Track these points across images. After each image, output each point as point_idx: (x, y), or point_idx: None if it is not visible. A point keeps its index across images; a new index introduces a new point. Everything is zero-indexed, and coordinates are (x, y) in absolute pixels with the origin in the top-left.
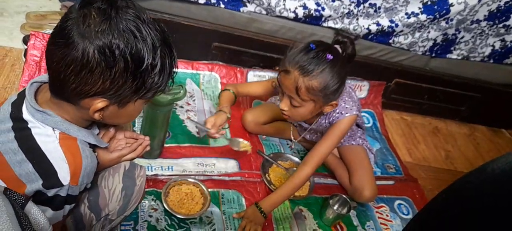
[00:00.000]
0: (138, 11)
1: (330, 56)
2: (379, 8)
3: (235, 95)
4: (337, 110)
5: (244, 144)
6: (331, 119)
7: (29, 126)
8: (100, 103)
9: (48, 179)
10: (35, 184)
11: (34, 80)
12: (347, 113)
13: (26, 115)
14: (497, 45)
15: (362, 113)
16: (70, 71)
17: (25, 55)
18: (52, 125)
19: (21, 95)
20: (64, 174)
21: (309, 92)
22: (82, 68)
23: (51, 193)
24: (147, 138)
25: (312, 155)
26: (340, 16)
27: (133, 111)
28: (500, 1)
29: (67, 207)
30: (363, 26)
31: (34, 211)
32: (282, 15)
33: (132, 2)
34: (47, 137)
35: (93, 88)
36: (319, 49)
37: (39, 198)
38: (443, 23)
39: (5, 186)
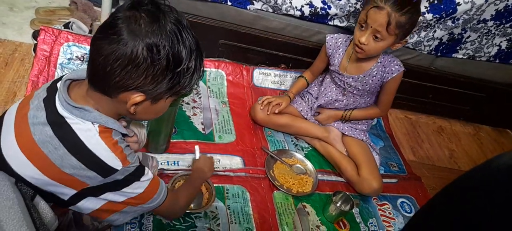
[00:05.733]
0: (180, 16)
1: None
2: None
3: (308, 82)
4: (393, 64)
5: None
6: (386, 68)
7: (68, 121)
8: (138, 97)
9: (99, 169)
10: (88, 173)
11: (67, 78)
12: (400, 70)
13: (62, 111)
14: (504, 45)
15: None
16: (117, 65)
17: (34, 50)
18: (91, 119)
19: (51, 92)
20: (113, 160)
21: (397, 27)
22: (129, 63)
23: (109, 179)
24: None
25: (382, 103)
26: (346, 15)
27: (161, 108)
28: (507, 1)
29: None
30: None
31: (42, 204)
32: (289, 13)
33: (175, 8)
34: (88, 131)
35: (135, 82)
36: None
37: (109, 187)
38: (449, 23)
39: (58, 183)
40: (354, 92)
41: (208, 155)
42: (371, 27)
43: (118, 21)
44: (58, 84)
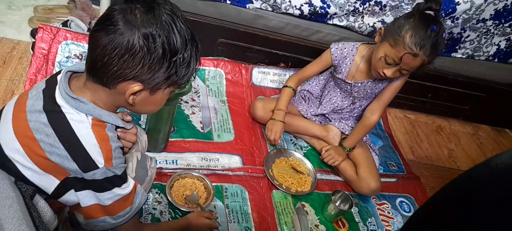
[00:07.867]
0: (174, 8)
1: (445, 35)
2: (385, 6)
3: (295, 90)
4: None
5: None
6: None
7: (63, 111)
8: (136, 86)
9: (82, 161)
10: (70, 165)
11: (67, 69)
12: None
13: (59, 101)
14: (502, 44)
15: None
16: (115, 55)
17: (33, 48)
18: (85, 111)
19: (51, 83)
20: (97, 156)
21: (427, 65)
22: (126, 52)
23: (88, 176)
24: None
25: (378, 104)
26: (346, 14)
27: (160, 100)
28: (507, 0)
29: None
30: (368, 24)
31: (41, 203)
32: (288, 12)
33: (169, 1)
34: (81, 122)
35: (133, 71)
36: (438, 29)
37: (78, 183)
38: (448, 22)
39: (39, 169)
40: (361, 95)
41: (207, 213)
42: (402, 67)
43: (114, 12)
44: (59, 77)
